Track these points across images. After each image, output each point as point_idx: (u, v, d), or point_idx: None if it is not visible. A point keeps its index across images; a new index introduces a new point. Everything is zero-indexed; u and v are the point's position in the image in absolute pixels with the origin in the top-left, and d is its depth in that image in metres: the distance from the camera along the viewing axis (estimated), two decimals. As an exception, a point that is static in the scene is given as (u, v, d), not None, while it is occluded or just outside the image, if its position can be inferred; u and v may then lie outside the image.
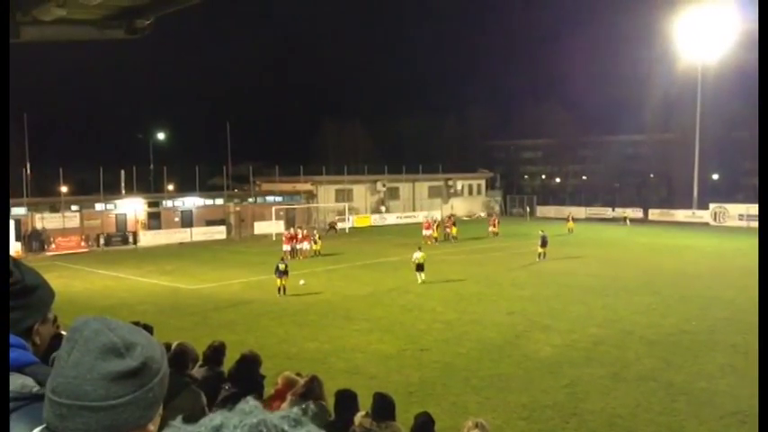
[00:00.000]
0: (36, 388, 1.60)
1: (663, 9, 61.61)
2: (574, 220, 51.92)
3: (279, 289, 25.36)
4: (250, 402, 1.21)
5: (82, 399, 1.35)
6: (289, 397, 6.38)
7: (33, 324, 1.88)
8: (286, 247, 36.69)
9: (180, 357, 6.17)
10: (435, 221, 46.39)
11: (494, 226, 48.72)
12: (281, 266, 25.69)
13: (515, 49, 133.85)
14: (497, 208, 71.63)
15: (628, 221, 58.13)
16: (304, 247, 37.62)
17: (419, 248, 29.12)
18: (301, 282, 26.46)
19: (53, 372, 1.41)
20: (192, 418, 1.22)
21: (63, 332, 2.23)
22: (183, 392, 5.32)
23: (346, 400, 6.58)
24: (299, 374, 7.18)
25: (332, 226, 53.40)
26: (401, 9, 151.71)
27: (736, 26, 55.34)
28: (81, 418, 1.35)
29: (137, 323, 8.95)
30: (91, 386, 1.36)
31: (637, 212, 62.41)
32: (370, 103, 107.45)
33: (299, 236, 38.08)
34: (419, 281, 27.03)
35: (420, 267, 27.31)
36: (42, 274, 1.98)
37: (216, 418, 1.16)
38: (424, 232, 43.54)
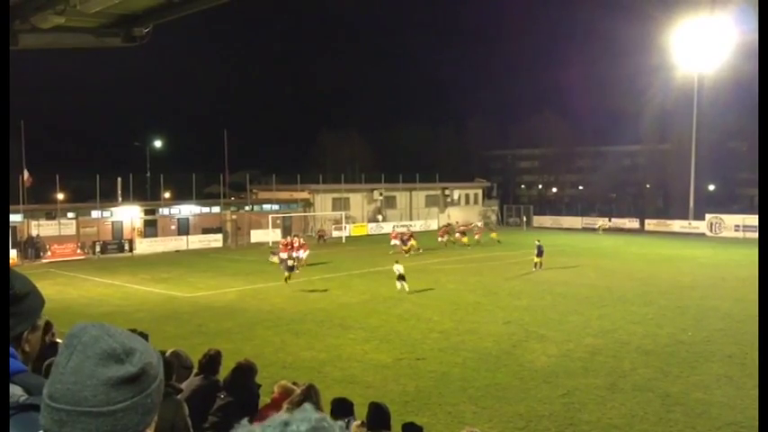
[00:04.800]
0: (23, 397, 1.59)
1: (659, 20, 61.91)
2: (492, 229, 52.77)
3: (286, 278, 28.88)
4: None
5: (81, 404, 1.35)
6: (285, 406, 6.35)
7: (23, 332, 1.87)
8: (283, 255, 36.64)
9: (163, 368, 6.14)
10: (403, 234, 46.08)
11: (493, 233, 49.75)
12: (290, 263, 29.33)
13: (513, 60, 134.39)
14: (486, 220, 71.02)
15: (601, 230, 59.66)
16: (300, 256, 37.47)
17: (397, 261, 29.51)
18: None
19: (50, 378, 1.41)
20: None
21: (58, 340, 2.22)
22: (165, 401, 5.30)
23: (342, 409, 6.57)
24: (295, 383, 7.16)
25: (320, 236, 52.83)
26: (400, 20, 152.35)
27: (732, 37, 55.63)
28: (80, 423, 1.35)
29: (133, 331, 8.91)
30: (91, 392, 1.36)
31: (633, 222, 62.61)
32: (369, 113, 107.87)
33: (296, 244, 37.92)
34: (398, 288, 26.94)
35: (402, 278, 27.26)
36: (38, 281, 1.97)
37: None
38: (392, 242, 43.94)
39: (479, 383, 14.91)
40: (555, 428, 12.30)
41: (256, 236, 51.46)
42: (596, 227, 61.28)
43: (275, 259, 37.34)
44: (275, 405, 6.50)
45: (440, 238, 47.61)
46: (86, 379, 1.36)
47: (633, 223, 62.54)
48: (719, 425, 12.34)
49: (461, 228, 49.84)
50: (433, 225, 61.96)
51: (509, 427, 12.36)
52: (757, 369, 13.47)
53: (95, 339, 1.40)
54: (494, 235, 49.99)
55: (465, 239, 46.64)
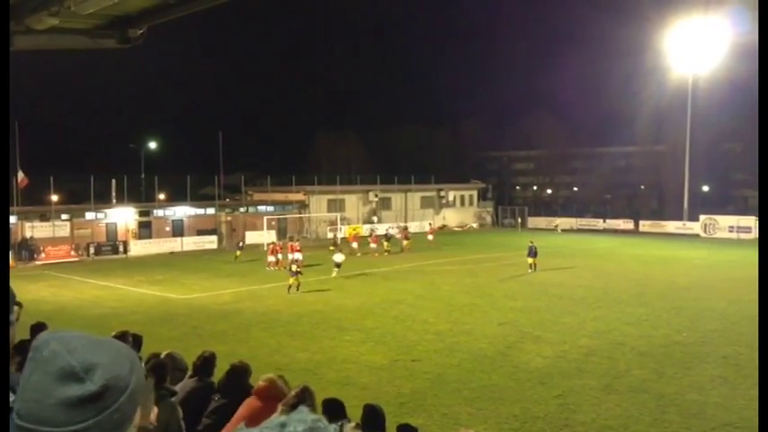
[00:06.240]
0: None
1: (654, 21, 62.08)
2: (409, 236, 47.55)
3: (289, 287, 27.88)
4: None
5: (43, 424, 1.30)
6: (280, 408, 6.33)
7: None
8: (271, 258, 36.58)
9: (157, 371, 6.15)
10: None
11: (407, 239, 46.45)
12: (294, 267, 28.59)
13: (509, 62, 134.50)
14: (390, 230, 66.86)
15: (559, 230, 62.36)
16: (295, 258, 37.12)
17: (340, 251, 34.99)
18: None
19: (17, 392, 1.37)
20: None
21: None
22: (159, 405, 5.30)
23: (333, 409, 6.52)
24: (281, 377, 6.95)
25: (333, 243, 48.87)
26: (395, 21, 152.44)
27: (726, 38, 55.81)
28: None
29: (125, 333, 8.80)
30: (51, 411, 1.30)
31: (627, 223, 62.92)
32: (364, 114, 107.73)
33: (295, 246, 37.38)
34: (334, 274, 32.37)
35: (338, 265, 32.77)
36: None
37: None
38: (353, 244, 44.47)
39: (475, 385, 14.91)
40: (550, 429, 12.31)
41: (251, 237, 51.34)
42: (553, 226, 64.15)
43: (238, 253, 40.88)
44: (259, 397, 6.35)
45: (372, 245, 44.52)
46: (45, 397, 1.31)
47: (628, 224, 62.81)
48: (714, 425, 12.37)
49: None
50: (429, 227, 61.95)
51: (504, 429, 12.36)
52: (752, 370, 13.43)
53: (54, 355, 1.34)
54: (385, 244, 44.24)
55: (407, 243, 45.55)
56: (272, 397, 6.08)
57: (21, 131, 42.95)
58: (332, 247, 41.17)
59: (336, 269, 32.95)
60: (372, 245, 44.09)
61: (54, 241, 43.80)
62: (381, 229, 52.78)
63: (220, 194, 59.39)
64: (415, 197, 69.40)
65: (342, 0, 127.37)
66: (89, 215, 47.16)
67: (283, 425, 1.17)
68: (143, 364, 6.21)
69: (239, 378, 7.07)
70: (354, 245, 44.36)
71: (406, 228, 51.60)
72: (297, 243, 36.78)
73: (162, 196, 57.86)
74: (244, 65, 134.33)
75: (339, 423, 6.19)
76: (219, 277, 33.80)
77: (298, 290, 27.88)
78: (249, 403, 6.23)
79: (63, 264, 41.12)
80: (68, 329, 1.45)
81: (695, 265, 36.50)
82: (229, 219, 54.38)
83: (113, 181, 51.23)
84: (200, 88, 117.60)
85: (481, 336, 19.76)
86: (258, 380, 6.59)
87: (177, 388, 6.61)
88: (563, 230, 62.73)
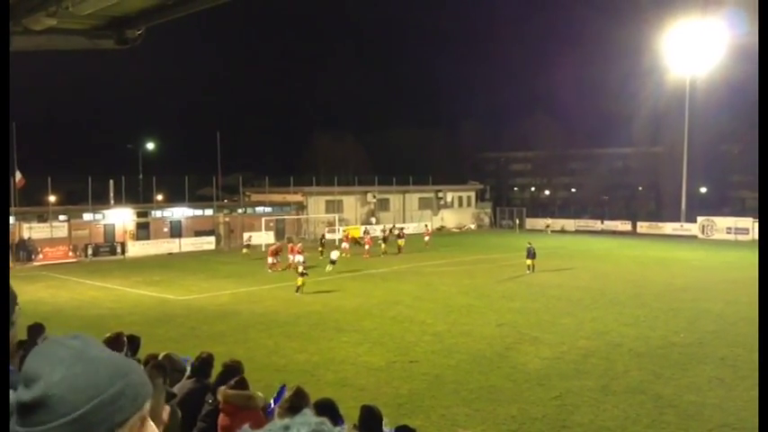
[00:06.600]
0: None
1: (651, 23, 62.20)
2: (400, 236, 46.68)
3: (298, 288, 28.11)
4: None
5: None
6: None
7: None
8: (270, 260, 36.46)
9: (157, 371, 6.17)
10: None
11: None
12: (300, 268, 29.38)
13: (506, 63, 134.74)
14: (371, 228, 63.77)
15: (549, 231, 62.71)
16: (296, 260, 37.01)
17: (336, 248, 37.19)
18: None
19: None
20: None
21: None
22: None
23: (325, 409, 6.50)
24: (239, 381, 6.82)
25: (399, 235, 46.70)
26: (393, 23, 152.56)
27: (723, 39, 55.91)
28: None
29: (119, 334, 8.78)
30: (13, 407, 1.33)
31: (625, 225, 62.96)
32: (362, 115, 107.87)
33: (296, 248, 37.31)
34: (328, 269, 34.25)
35: (333, 262, 34.86)
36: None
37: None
38: (344, 244, 44.33)
39: (472, 386, 14.91)
40: (548, 430, 12.31)
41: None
42: (544, 226, 64.75)
43: (245, 250, 42.87)
44: (226, 413, 6.35)
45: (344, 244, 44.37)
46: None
47: (625, 225, 62.83)
48: (711, 426, 12.38)
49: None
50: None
51: (502, 430, 12.36)
52: (750, 371, 13.46)
53: (30, 354, 1.34)
54: (383, 245, 45.09)
55: (400, 242, 45.29)
56: (238, 407, 6.08)
57: (18, 132, 42.90)
58: (320, 248, 41.38)
59: (331, 265, 34.59)
60: (366, 245, 44.06)
61: (52, 242, 43.76)
62: (377, 231, 52.72)
63: (218, 195, 59.31)
64: (414, 198, 69.41)
65: (340, 1, 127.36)
66: (87, 216, 47.12)
67: (287, 427, 1.17)
68: (141, 366, 6.21)
69: (233, 377, 7.07)
70: (345, 245, 44.14)
71: (393, 228, 51.43)
72: (299, 245, 36.83)
73: (160, 197, 57.76)
74: (242, 65, 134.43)
75: (341, 428, 6.19)
76: (217, 278, 33.77)
77: (297, 291, 27.93)
78: (221, 424, 6.26)
79: (61, 264, 41.08)
80: (86, 335, 1.42)
81: (693, 267, 36.53)
82: (227, 220, 54.36)
83: (111, 182, 51.16)
84: (198, 89, 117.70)
85: (479, 337, 19.76)
86: (258, 384, 6.59)
87: (175, 389, 6.60)
88: (552, 231, 62.83)
